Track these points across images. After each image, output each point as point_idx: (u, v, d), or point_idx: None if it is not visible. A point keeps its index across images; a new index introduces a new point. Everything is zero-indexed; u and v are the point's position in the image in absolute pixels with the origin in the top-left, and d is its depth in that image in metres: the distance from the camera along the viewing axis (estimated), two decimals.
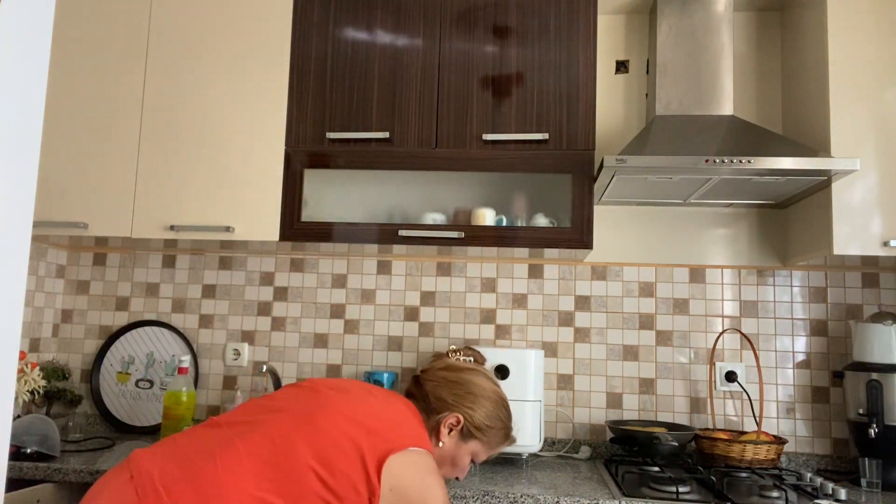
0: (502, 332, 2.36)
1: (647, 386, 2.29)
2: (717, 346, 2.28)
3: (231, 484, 1.13)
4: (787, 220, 2.27)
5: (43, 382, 2.09)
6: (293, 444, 1.17)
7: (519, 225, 2.17)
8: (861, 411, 1.97)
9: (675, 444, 1.97)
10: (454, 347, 1.50)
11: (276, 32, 2.17)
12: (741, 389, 2.25)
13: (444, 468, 1.41)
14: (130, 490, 1.13)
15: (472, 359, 1.50)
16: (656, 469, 1.89)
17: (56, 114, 2.20)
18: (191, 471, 1.14)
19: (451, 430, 1.36)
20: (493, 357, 2.05)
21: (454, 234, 2.05)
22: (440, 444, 1.37)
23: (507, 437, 1.45)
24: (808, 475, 1.95)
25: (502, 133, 2.07)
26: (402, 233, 2.07)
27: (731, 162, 1.83)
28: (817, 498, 1.73)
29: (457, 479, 1.45)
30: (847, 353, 2.23)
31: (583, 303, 2.34)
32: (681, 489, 1.73)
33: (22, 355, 2.16)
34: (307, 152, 2.13)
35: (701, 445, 2.05)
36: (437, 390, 1.38)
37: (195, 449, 1.18)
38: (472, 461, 1.44)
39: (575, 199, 2.03)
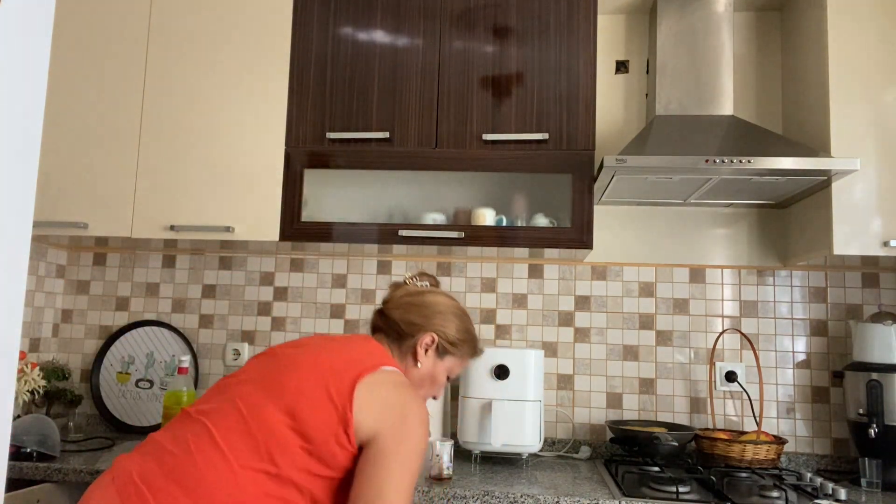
0: (502, 332, 2.36)
1: (647, 386, 2.29)
2: (717, 346, 2.28)
3: (210, 466, 1.12)
4: (787, 220, 2.27)
5: (43, 382, 2.09)
6: (262, 409, 1.17)
7: (519, 225, 2.17)
8: (861, 411, 1.97)
9: (675, 444, 1.97)
10: (409, 274, 1.51)
11: (276, 32, 2.17)
12: (741, 389, 2.25)
13: (424, 388, 1.43)
14: (112, 492, 1.13)
15: (427, 283, 1.50)
16: (656, 469, 1.89)
17: (56, 114, 2.20)
18: (169, 463, 1.14)
19: (426, 350, 1.39)
20: (493, 357, 2.05)
21: (454, 234, 2.05)
22: (418, 365, 1.39)
23: (477, 348, 1.49)
24: (808, 475, 1.95)
25: (502, 133, 2.07)
26: (402, 233, 2.07)
27: (731, 162, 1.83)
28: (817, 498, 1.73)
29: (434, 398, 1.48)
30: (847, 353, 2.23)
31: (583, 303, 2.35)
32: (681, 489, 1.73)
33: (22, 355, 2.16)
34: (307, 152, 2.13)
35: (701, 445, 2.05)
36: (405, 316, 1.40)
37: (171, 441, 1.18)
38: (448, 377, 1.46)
39: (575, 199, 2.03)
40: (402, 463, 1.14)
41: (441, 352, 1.41)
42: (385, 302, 1.46)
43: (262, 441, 1.15)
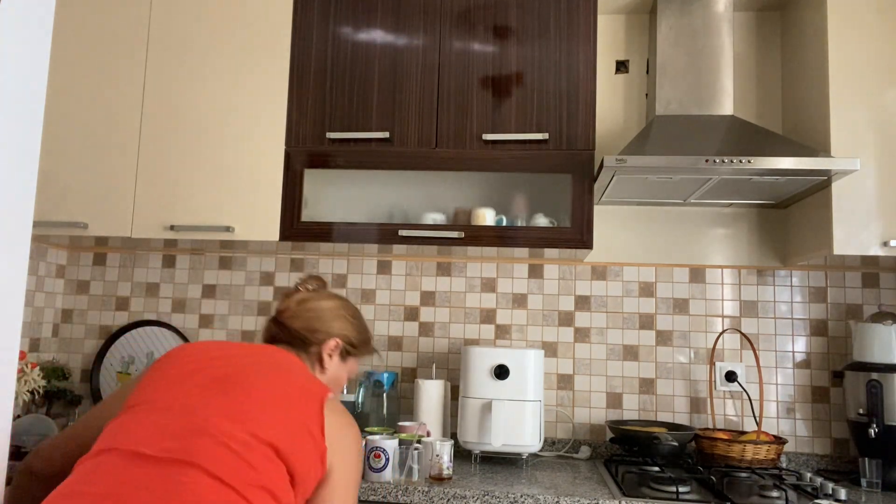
0: (502, 332, 2.36)
1: (647, 386, 2.29)
2: (717, 346, 2.28)
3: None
4: (787, 220, 2.27)
5: (43, 382, 2.09)
6: (252, 446, 1.08)
7: (519, 225, 2.17)
8: (861, 411, 1.97)
9: (675, 444, 1.97)
10: (302, 279, 1.49)
11: (276, 32, 2.17)
12: (741, 389, 2.25)
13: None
14: None
15: (316, 285, 1.50)
16: (656, 469, 1.89)
17: (56, 114, 2.20)
18: None
19: (331, 356, 1.40)
20: (493, 357, 2.05)
21: (454, 234, 2.05)
22: (325, 371, 1.39)
23: (372, 346, 1.52)
24: (808, 475, 1.95)
25: (502, 133, 2.07)
26: (402, 233, 2.07)
27: (731, 162, 1.83)
28: (817, 498, 1.73)
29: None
30: (847, 353, 2.23)
31: (583, 303, 2.34)
32: (681, 489, 1.73)
33: (22, 355, 2.16)
34: (307, 152, 2.13)
35: (701, 445, 2.05)
36: (309, 324, 1.39)
37: (147, 493, 0.99)
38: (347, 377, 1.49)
39: (575, 199, 2.03)
40: (355, 490, 1.19)
41: (343, 354, 1.42)
42: (281, 311, 1.42)
43: (264, 478, 1.07)
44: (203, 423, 1.07)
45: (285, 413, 1.14)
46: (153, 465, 1.02)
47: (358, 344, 1.44)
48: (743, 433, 2.10)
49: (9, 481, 1.13)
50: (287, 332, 1.40)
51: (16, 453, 1.84)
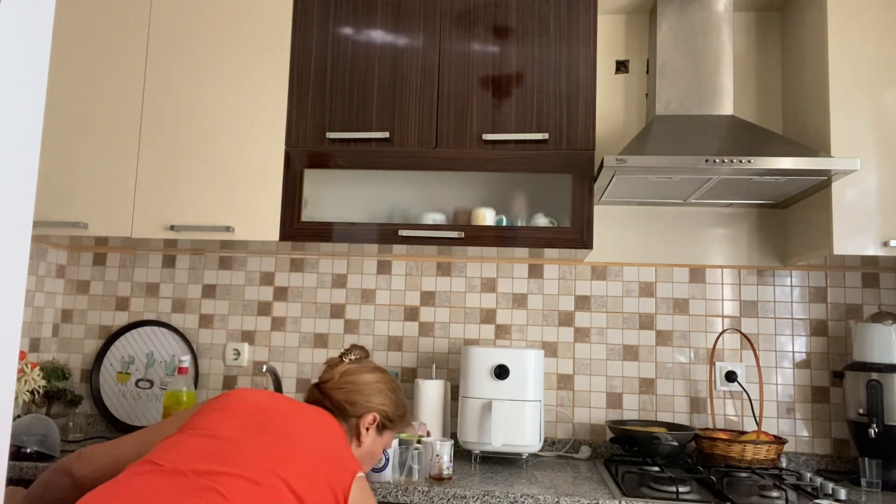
0: (502, 332, 2.36)
1: (647, 386, 2.29)
2: (717, 346, 2.28)
3: None
4: (787, 220, 2.27)
5: (43, 382, 2.09)
6: (276, 487, 1.13)
7: (519, 225, 2.17)
8: (861, 411, 1.97)
9: (675, 444, 1.97)
10: (345, 349, 1.55)
11: (276, 32, 2.17)
12: (741, 389, 2.25)
13: (364, 464, 1.48)
14: None
15: (359, 355, 1.54)
16: (656, 469, 1.89)
17: (56, 114, 2.20)
18: None
19: (368, 429, 1.44)
20: (493, 357, 2.05)
21: (454, 234, 2.05)
22: (361, 444, 1.44)
23: (408, 419, 1.56)
24: (808, 475, 1.95)
25: (502, 133, 2.07)
26: (402, 233, 2.07)
27: (731, 162, 1.83)
28: (817, 498, 1.73)
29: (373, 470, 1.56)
30: (847, 353, 2.23)
31: (583, 303, 2.34)
32: (681, 489, 1.73)
33: (22, 355, 2.16)
34: (307, 152, 2.13)
35: (701, 445, 2.05)
36: (349, 396, 1.44)
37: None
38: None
39: (575, 199, 2.03)
40: None
41: (380, 428, 1.46)
42: (324, 381, 1.47)
43: None
44: (239, 458, 1.15)
45: (318, 472, 1.19)
46: (181, 481, 1.10)
47: (394, 418, 1.49)
48: (743, 433, 2.10)
49: (8, 480, 1.13)
50: (329, 401, 1.44)
51: (16, 453, 1.84)
